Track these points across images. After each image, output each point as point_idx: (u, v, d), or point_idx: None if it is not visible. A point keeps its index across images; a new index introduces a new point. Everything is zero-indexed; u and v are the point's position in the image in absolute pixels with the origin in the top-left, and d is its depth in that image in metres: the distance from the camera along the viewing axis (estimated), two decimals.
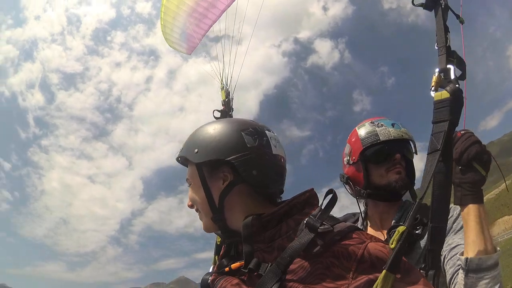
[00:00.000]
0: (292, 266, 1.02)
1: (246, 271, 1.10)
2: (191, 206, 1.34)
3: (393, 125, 2.01)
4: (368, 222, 2.11)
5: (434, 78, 1.44)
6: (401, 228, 1.01)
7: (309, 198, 1.21)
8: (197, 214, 1.33)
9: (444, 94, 1.38)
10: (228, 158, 1.19)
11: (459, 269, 1.44)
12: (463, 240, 1.46)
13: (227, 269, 1.18)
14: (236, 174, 1.21)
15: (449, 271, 1.55)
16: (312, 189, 1.25)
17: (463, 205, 1.43)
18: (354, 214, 2.22)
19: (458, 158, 1.43)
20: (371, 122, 2.06)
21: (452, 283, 1.50)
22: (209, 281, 1.25)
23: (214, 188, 1.23)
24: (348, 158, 2.11)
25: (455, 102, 1.36)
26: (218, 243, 1.93)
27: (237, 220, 1.20)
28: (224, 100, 2.84)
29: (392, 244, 0.97)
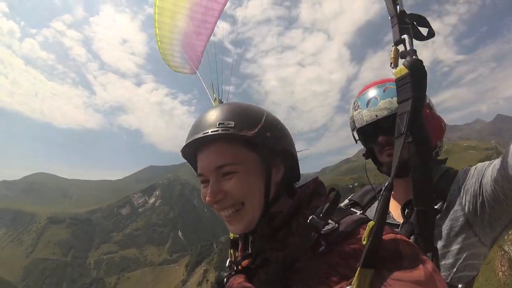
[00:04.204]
0: (297, 265, 1.00)
1: (253, 267, 1.10)
2: (226, 202, 1.08)
3: (368, 103, 1.77)
4: (392, 196, 1.92)
5: (391, 53, 1.30)
6: (371, 223, 0.94)
7: (314, 189, 1.17)
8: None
9: (402, 69, 1.25)
10: (291, 149, 1.17)
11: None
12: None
13: (240, 267, 1.16)
14: (286, 164, 1.17)
15: (488, 176, 1.41)
16: (316, 178, 1.22)
17: None
18: (375, 188, 2.00)
19: None
20: (354, 102, 1.89)
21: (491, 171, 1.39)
22: (224, 279, 1.23)
23: (272, 179, 1.11)
24: None
25: (416, 76, 1.22)
26: (232, 237, 1.80)
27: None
28: None
29: (364, 240, 0.92)
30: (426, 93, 1.40)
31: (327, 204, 1.03)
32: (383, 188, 1.20)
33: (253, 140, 1.04)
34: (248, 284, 1.09)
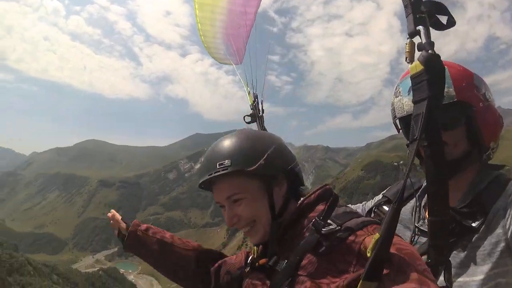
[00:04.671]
0: (303, 262, 1.12)
1: (268, 267, 1.24)
2: (241, 222, 1.28)
3: (410, 90, 1.49)
4: None
5: (406, 46, 1.13)
6: (376, 236, 0.92)
7: (320, 195, 1.28)
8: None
9: (417, 65, 1.10)
10: (291, 166, 1.31)
11: None
12: None
13: (258, 263, 1.31)
14: (288, 178, 1.31)
15: None
16: (325, 185, 1.33)
17: None
18: (413, 184, 1.72)
19: None
20: (396, 86, 1.65)
21: None
22: (244, 273, 1.43)
23: (275, 196, 1.27)
24: None
25: (431, 73, 1.07)
26: None
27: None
28: (252, 104, 2.65)
29: (368, 253, 0.92)
30: (483, 82, 1.26)
31: (327, 205, 1.15)
32: (396, 199, 0.99)
33: (250, 172, 1.20)
34: (267, 281, 1.24)
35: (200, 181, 1.29)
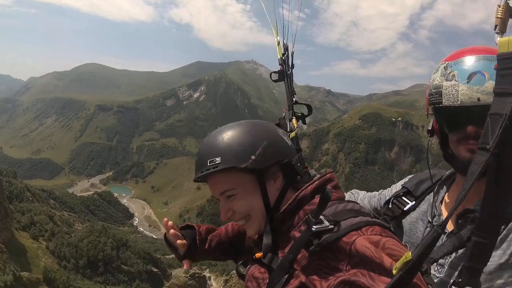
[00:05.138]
0: (297, 257, 1.13)
1: (265, 262, 1.22)
2: (236, 216, 1.30)
3: (470, 77, 1.25)
4: (450, 193, 1.55)
5: (499, 10, 0.90)
6: (408, 255, 0.82)
7: (319, 185, 1.27)
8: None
9: (511, 43, 0.85)
10: (287, 159, 1.27)
11: None
12: None
13: (256, 256, 1.27)
14: (283, 170, 1.28)
15: None
16: (326, 173, 1.33)
17: None
18: (432, 176, 1.60)
19: None
20: (445, 66, 1.35)
21: None
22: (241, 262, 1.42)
23: (270, 190, 1.26)
24: None
25: None
26: None
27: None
28: (281, 58, 2.18)
29: (395, 269, 0.84)
30: None
31: (318, 203, 1.10)
32: (439, 224, 0.88)
33: (241, 168, 1.19)
34: (266, 275, 1.22)
35: (194, 178, 1.32)
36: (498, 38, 0.86)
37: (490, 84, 1.19)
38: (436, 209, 1.50)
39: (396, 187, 1.78)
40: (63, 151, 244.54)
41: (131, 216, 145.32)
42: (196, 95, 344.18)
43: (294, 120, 1.91)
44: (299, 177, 1.31)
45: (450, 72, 1.31)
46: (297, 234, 1.18)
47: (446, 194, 1.53)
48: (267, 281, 1.21)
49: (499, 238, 1.20)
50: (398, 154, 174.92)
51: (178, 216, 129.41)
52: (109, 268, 46.48)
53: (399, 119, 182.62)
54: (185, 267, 1.58)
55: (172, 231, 1.50)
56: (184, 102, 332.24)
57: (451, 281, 1.22)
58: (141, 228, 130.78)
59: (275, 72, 2.19)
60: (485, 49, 1.29)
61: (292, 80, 2.11)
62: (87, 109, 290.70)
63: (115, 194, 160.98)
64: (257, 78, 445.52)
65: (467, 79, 1.25)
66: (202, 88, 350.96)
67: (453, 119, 1.34)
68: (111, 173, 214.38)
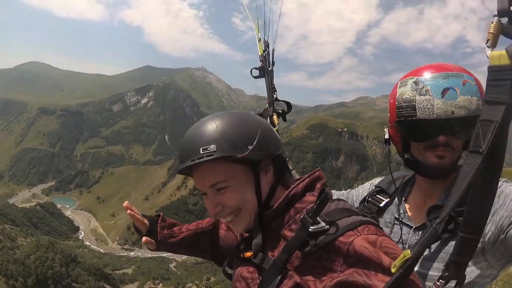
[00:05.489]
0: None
1: (255, 262, 1.18)
2: (226, 211, 1.22)
3: (444, 93, 1.37)
4: (412, 192, 1.69)
5: (491, 26, 0.91)
6: (406, 253, 0.87)
7: (309, 183, 1.24)
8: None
9: (503, 56, 0.87)
10: (279, 151, 1.24)
11: None
12: None
13: (245, 255, 1.24)
14: (274, 164, 1.24)
15: None
16: (315, 171, 1.29)
17: None
18: (399, 177, 1.77)
19: None
20: (415, 81, 1.45)
21: None
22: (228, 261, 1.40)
23: (262, 183, 1.21)
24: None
25: None
26: None
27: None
28: (261, 55, 2.24)
29: (393, 267, 0.88)
30: None
31: (317, 203, 1.07)
32: (433, 225, 0.95)
33: (236, 158, 1.12)
34: (256, 275, 1.19)
35: (180, 168, 1.20)
36: (489, 52, 0.90)
37: (461, 99, 1.35)
38: (401, 207, 1.64)
39: (364, 187, 1.90)
40: (3, 157, 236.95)
41: (76, 229, 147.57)
42: (144, 101, 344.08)
43: (275, 117, 1.94)
44: (287, 171, 1.30)
45: (423, 87, 1.41)
46: (288, 233, 1.14)
47: (410, 194, 1.69)
48: (258, 281, 1.17)
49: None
50: (345, 163, 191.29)
51: (126, 229, 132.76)
52: (59, 286, 47.46)
53: (345, 129, 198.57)
54: (143, 241, 1.54)
55: (128, 211, 1.50)
56: (132, 108, 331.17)
57: (429, 273, 1.35)
58: (87, 242, 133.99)
59: (255, 68, 2.21)
60: (446, 67, 1.44)
61: (273, 77, 2.15)
62: (28, 112, 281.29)
63: (59, 206, 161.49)
64: (206, 85, 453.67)
65: (441, 94, 1.37)
66: (151, 94, 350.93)
67: (425, 130, 1.45)
68: (53, 183, 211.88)
